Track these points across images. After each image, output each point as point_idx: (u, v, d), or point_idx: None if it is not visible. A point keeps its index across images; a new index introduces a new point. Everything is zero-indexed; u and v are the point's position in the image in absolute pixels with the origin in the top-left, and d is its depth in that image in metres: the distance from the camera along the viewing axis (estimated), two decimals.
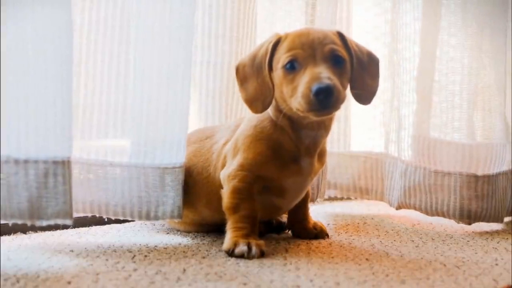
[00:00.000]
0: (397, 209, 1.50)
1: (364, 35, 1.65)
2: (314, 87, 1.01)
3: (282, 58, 1.08)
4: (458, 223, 1.43)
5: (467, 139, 1.45)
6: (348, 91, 1.12)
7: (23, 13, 1.00)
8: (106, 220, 1.30)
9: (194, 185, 1.21)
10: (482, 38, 1.46)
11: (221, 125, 1.32)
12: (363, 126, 1.68)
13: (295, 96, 1.05)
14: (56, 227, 1.26)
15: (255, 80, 1.13)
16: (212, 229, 1.27)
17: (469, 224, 1.42)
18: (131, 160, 1.18)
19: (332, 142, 1.62)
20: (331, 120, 1.16)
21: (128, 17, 1.18)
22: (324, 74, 1.03)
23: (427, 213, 1.45)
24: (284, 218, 1.33)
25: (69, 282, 0.90)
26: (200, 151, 1.23)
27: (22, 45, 1.00)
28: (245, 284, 0.91)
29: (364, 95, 1.15)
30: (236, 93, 1.42)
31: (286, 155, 1.14)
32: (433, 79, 1.47)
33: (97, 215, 1.19)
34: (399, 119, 1.50)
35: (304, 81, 1.03)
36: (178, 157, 1.19)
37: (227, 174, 1.14)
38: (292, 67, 1.07)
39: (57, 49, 1.03)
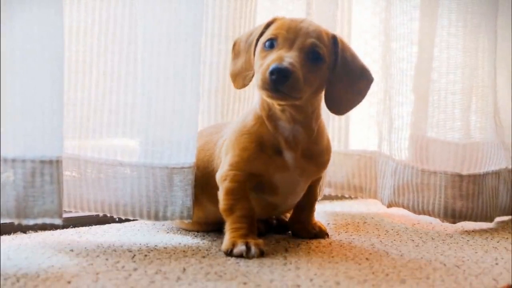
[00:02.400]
0: (388, 207, 1.52)
1: (363, 34, 1.65)
2: (272, 66, 1.02)
3: (265, 35, 1.10)
4: (443, 222, 1.44)
5: (458, 139, 1.46)
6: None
7: (10, 13, 0.99)
8: (106, 219, 1.30)
9: (200, 178, 1.21)
10: (478, 38, 1.46)
11: (231, 121, 1.32)
12: (358, 125, 1.69)
13: (258, 73, 1.06)
14: (56, 227, 1.26)
15: (244, 56, 1.15)
16: (213, 228, 1.27)
17: (454, 223, 1.43)
18: (139, 160, 1.18)
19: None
20: (306, 117, 1.13)
21: (136, 16, 1.19)
22: (288, 59, 1.03)
23: (414, 211, 1.46)
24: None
25: (69, 282, 0.90)
26: (208, 145, 1.24)
27: (9, 44, 1.00)
28: (245, 283, 0.91)
29: (338, 105, 1.15)
30: (232, 93, 1.42)
31: (268, 148, 1.13)
32: (430, 79, 1.47)
33: (108, 215, 1.20)
34: (391, 118, 1.51)
35: (269, 59, 1.05)
36: (187, 157, 1.19)
37: (220, 175, 1.15)
38: (270, 46, 1.08)
39: (46, 48, 1.02)
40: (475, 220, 1.43)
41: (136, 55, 1.19)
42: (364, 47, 1.64)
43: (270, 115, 1.14)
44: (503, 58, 1.59)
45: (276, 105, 1.10)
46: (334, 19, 1.49)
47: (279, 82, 1.01)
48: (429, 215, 1.45)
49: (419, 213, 1.46)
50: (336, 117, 1.62)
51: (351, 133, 1.67)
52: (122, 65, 1.20)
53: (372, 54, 1.62)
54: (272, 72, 1.01)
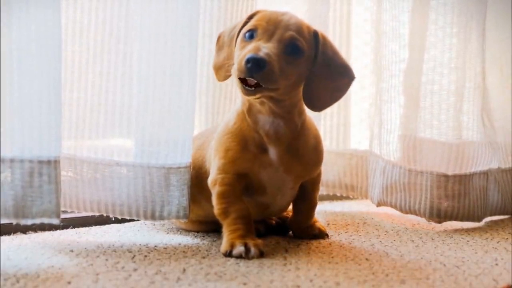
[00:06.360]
0: (377, 206, 1.53)
1: (363, 35, 1.65)
2: (248, 55, 1.02)
3: (246, 27, 1.10)
4: (429, 221, 1.46)
5: (445, 139, 1.47)
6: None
7: (8, 13, 0.99)
8: (106, 220, 1.30)
9: (197, 178, 1.21)
10: (467, 39, 1.47)
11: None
12: (353, 124, 1.70)
13: (236, 62, 1.06)
14: (56, 227, 1.26)
15: (227, 48, 1.15)
16: (214, 228, 1.27)
17: (439, 222, 1.44)
18: (136, 160, 1.18)
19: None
20: (288, 111, 1.12)
21: (132, 17, 1.19)
22: (265, 49, 1.03)
23: (401, 211, 1.47)
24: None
25: (69, 282, 0.90)
26: (203, 145, 1.24)
27: (7, 45, 1.00)
28: (245, 284, 0.91)
29: (315, 101, 1.13)
30: (223, 92, 1.42)
31: (252, 145, 1.13)
32: (420, 79, 1.48)
33: (104, 214, 1.20)
34: (382, 118, 1.51)
35: (247, 49, 1.04)
36: (183, 157, 1.19)
37: (211, 180, 1.15)
38: (250, 37, 1.08)
39: (43, 48, 1.02)
40: (462, 220, 1.45)
41: (132, 55, 1.19)
42: (363, 48, 1.65)
43: (250, 109, 1.13)
44: (498, 58, 1.59)
45: (243, 94, 1.08)
46: (326, 19, 1.50)
47: (254, 70, 1.01)
48: (416, 214, 1.46)
49: (406, 213, 1.47)
50: (328, 115, 1.63)
51: (343, 132, 1.67)
52: (118, 65, 1.20)
53: (370, 56, 1.62)
54: (248, 61, 1.01)
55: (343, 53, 1.51)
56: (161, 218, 1.20)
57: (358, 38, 1.66)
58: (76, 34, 1.18)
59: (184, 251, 1.12)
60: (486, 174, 1.48)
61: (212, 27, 1.39)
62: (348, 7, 1.63)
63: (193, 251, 1.12)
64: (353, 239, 1.27)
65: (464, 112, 1.49)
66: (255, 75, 1.01)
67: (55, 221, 1.04)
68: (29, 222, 1.02)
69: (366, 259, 1.09)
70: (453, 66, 1.47)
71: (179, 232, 1.29)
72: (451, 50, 1.47)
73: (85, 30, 1.18)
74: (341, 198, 1.78)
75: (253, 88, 1.04)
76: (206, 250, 1.13)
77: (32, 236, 1.20)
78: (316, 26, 1.20)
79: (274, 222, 1.32)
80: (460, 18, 1.46)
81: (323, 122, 1.62)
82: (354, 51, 1.65)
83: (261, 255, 1.08)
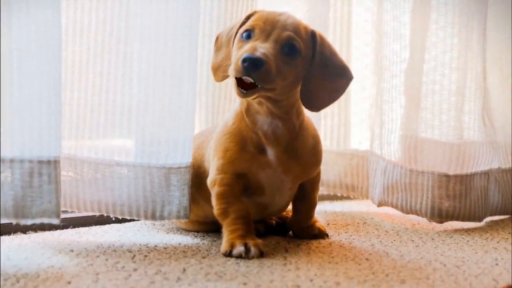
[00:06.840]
0: (378, 206, 1.53)
1: (364, 36, 1.65)
2: (244, 55, 1.01)
3: (243, 27, 1.10)
4: (430, 221, 1.46)
5: (446, 139, 1.47)
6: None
7: (8, 13, 0.99)
8: (106, 220, 1.30)
9: (196, 177, 1.22)
10: (468, 40, 1.48)
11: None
12: (353, 124, 1.70)
13: (233, 63, 1.06)
14: (56, 227, 1.26)
15: (226, 49, 1.15)
16: (214, 228, 1.27)
17: (441, 222, 1.45)
18: (136, 160, 1.19)
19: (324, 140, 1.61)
20: (285, 112, 1.13)
21: (133, 17, 1.19)
22: (261, 49, 1.03)
23: (402, 211, 1.48)
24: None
25: (69, 282, 0.90)
26: (203, 145, 1.24)
27: (7, 45, 1.00)
28: (245, 284, 0.91)
29: (312, 101, 1.13)
30: (223, 92, 1.42)
31: (251, 145, 1.13)
32: (421, 80, 1.48)
33: (105, 214, 1.20)
34: (382, 118, 1.51)
35: (244, 49, 1.04)
36: (183, 157, 1.19)
37: (210, 181, 1.15)
38: (247, 37, 1.08)
39: (44, 48, 1.03)
40: (463, 220, 1.45)
41: (132, 55, 1.19)
42: (364, 49, 1.65)
43: (249, 109, 1.13)
44: (498, 58, 1.60)
45: (238, 94, 1.07)
46: (326, 20, 1.50)
47: (250, 69, 1.01)
48: (417, 214, 1.46)
49: (407, 213, 1.47)
50: (329, 116, 1.63)
51: (343, 133, 1.68)
52: (118, 66, 1.20)
53: (371, 56, 1.62)
54: (244, 60, 1.01)
55: (343, 54, 1.53)
56: (162, 218, 1.20)
57: (359, 39, 1.66)
58: (76, 34, 1.19)
59: (184, 251, 1.12)
60: (487, 174, 1.49)
61: (212, 27, 1.39)
62: (349, 7, 1.63)
63: (193, 251, 1.12)
64: (353, 239, 1.27)
65: (465, 112, 1.50)
66: (252, 74, 1.02)
67: (55, 221, 1.04)
68: (29, 222, 1.02)
69: (366, 259, 1.09)
70: (454, 66, 1.47)
71: (179, 232, 1.29)
72: (452, 50, 1.47)
73: (85, 30, 1.18)
74: (341, 198, 1.78)
75: (248, 91, 1.04)
76: (206, 250, 1.13)
77: (32, 236, 1.21)
78: (317, 26, 1.20)
79: (274, 222, 1.32)
80: (461, 17, 1.47)
81: (324, 122, 1.62)
82: (355, 52, 1.66)
83: (261, 255, 1.08)
